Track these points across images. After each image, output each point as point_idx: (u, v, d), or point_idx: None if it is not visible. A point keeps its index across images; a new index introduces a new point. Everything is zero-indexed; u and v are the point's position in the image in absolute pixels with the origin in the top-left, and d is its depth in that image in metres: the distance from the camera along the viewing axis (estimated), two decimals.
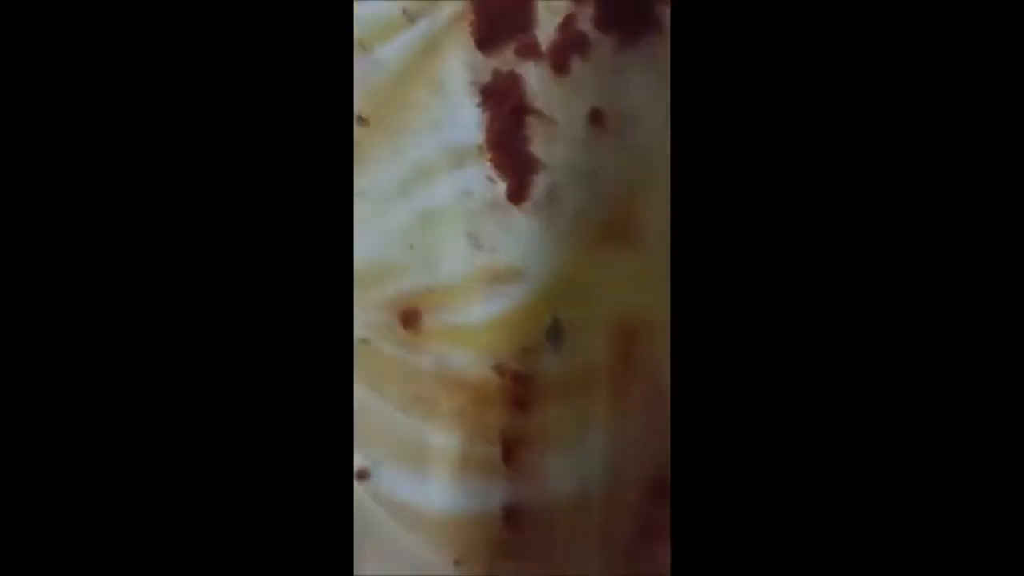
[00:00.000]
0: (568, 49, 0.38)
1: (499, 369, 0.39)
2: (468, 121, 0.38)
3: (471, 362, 0.40)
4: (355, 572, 0.41)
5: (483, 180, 0.39)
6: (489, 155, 0.38)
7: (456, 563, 0.41)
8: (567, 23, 0.38)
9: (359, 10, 0.39)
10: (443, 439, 0.40)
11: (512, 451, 0.40)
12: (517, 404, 0.40)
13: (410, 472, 0.41)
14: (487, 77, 0.38)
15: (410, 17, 0.39)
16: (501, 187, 0.38)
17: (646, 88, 0.38)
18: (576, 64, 0.38)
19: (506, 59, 0.38)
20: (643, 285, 0.40)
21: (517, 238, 0.39)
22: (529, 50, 0.38)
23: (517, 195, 0.38)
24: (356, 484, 0.41)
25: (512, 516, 0.40)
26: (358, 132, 0.39)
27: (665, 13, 0.39)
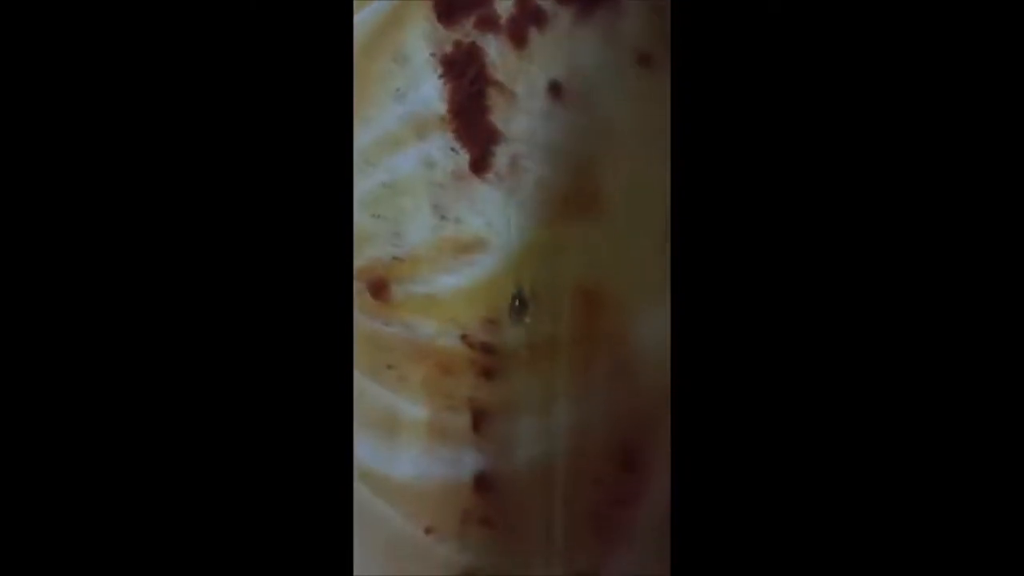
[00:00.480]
0: (526, 21, 0.38)
1: (466, 339, 0.40)
2: (430, 92, 0.39)
3: (438, 332, 0.40)
4: None
5: (446, 151, 0.39)
6: (452, 126, 0.39)
7: (427, 531, 0.41)
8: None
9: None
10: (412, 409, 0.41)
11: (480, 420, 0.40)
12: (484, 374, 0.40)
13: (381, 441, 0.41)
14: (448, 49, 0.39)
15: None
16: (464, 158, 0.39)
17: (603, 60, 0.39)
18: (534, 36, 0.38)
19: (467, 31, 0.38)
20: (606, 255, 0.40)
21: (480, 209, 0.39)
22: (488, 22, 0.39)
23: (479, 166, 0.39)
24: None
25: (481, 484, 0.41)
26: None
27: None
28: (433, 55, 0.39)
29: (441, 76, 0.39)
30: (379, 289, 0.40)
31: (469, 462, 0.41)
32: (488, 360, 0.40)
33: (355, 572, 0.41)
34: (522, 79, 0.38)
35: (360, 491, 0.42)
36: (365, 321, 0.41)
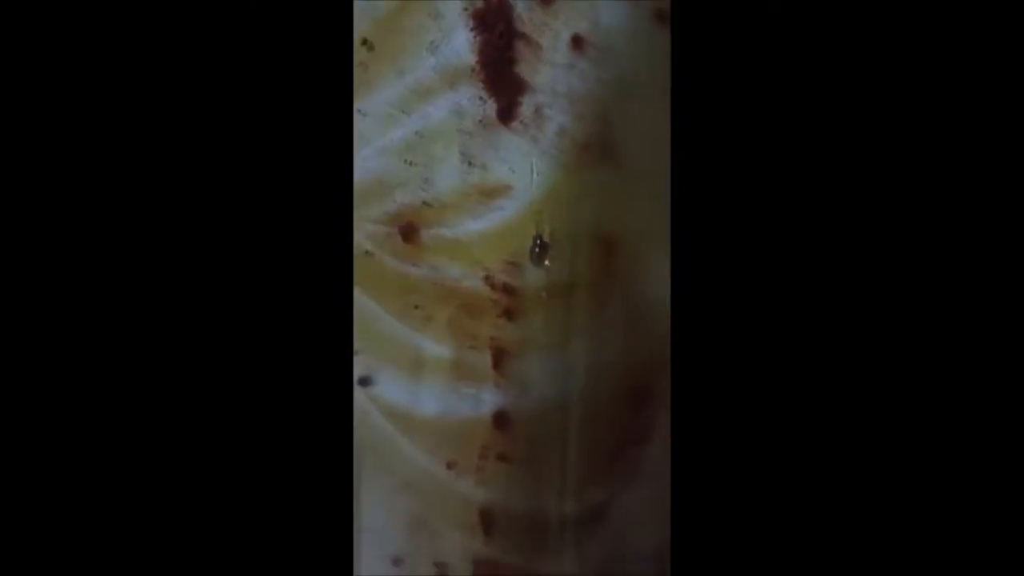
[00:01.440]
0: None
1: (489, 281, 0.42)
2: (462, 45, 0.40)
3: (463, 274, 0.42)
4: (358, 479, 0.43)
5: (475, 100, 0.41)
6: (480, 76, 0.41)
7: (448, 467, 0.43)
8: None
9: None
10: (437, 348, 0.43)
11: (501, 359, 0.42)
12: (506, 314, 0.42)
13: (406, 380, 0.43)
14: (479, 3, 0.40)
15: None
16: (492, 107, 0.41)
17: (624, 16, 0.40)
18: None
19: None
20: (622, 200, 0.42)
21: (505, 156, 0.41)
22: None
23: (506, 115, 0.41)
24: (358, 391, 0.43)
25: (500, 421, 0.43)
26: (363, 55, 0.41)
27: None
28: (465, 10, 0.40)
29: (472, 29, 0.40)
30: (409, 233, 0.42)
31: (489, 400, 0.43)
32: (510, 301, 0.42)
33: (372, 506, 0.43)
34: (547, 32, 0.40)
35: (387, 427, 0.43)
36: (395, 263, 0.42)
